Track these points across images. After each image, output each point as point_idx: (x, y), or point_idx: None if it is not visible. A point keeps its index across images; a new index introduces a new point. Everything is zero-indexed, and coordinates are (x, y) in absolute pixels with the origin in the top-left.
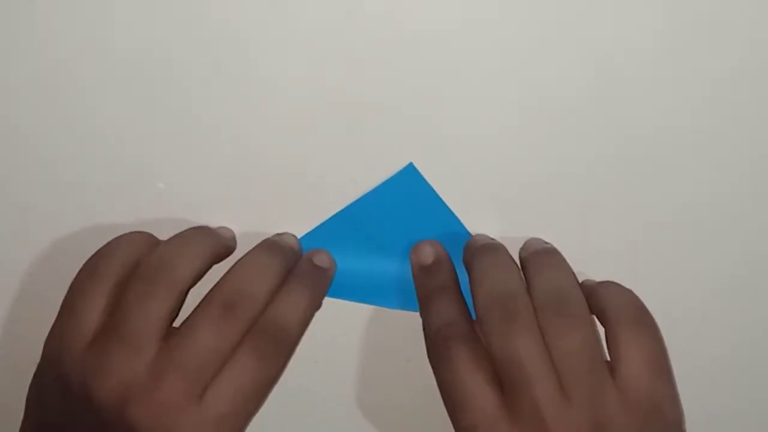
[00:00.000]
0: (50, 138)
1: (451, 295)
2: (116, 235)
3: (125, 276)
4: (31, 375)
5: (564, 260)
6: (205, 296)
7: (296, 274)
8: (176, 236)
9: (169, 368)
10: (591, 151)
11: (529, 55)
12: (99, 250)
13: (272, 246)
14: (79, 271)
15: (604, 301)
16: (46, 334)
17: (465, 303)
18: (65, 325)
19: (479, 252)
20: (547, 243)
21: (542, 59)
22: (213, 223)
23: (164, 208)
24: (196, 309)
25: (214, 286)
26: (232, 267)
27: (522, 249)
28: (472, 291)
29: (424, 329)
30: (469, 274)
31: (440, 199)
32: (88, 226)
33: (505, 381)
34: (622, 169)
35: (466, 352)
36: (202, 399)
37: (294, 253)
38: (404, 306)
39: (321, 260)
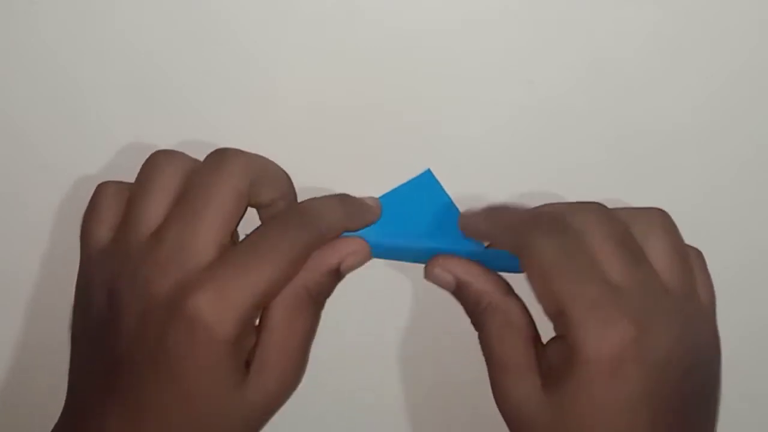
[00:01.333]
0: (51, 140)
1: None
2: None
3: (190, 172)
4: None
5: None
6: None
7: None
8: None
9: (228, 266)
10: (594, 151)
11: (530, 56)
12: (160, 151)
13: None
14: (146, 164)
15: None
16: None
17: None
18: (128, 216)
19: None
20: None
21: (543, 59)
22: None
23: None
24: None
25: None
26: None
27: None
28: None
29: (508, 225)
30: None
31: (455, 206)
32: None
33: (613, 265)
34: (626, 169)
35: (568, 226)
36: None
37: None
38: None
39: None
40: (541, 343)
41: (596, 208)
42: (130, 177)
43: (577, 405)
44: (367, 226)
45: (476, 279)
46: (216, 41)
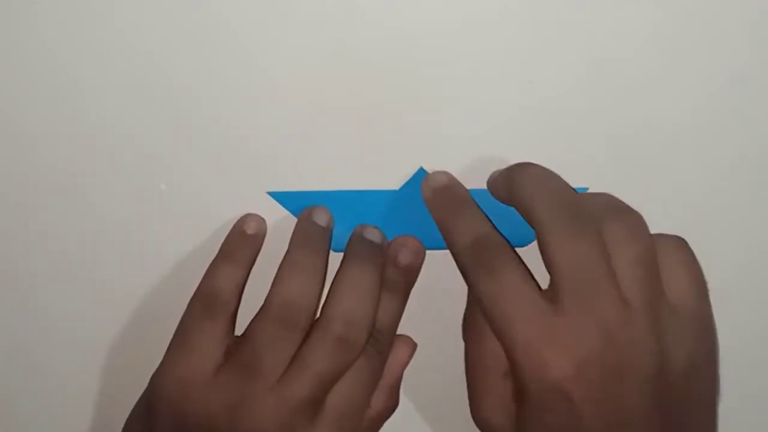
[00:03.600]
0: (51, 140)
1: (473, 208)
2: (118, 233)
3: (237, 306)
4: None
5: None
6: (317, 325)
7: (388, 287)
8: (291, 260)
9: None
10: (594, 151)
11: (530, 56)
12: (207, 279)
13: (365, 261)
14: (190, 307)
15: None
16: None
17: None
18: (186, 362)
19: (521, 168)
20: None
21: (543, 59)
22: (213, 224)
23: (166, 209)
24: (310, 340)
25: (321, 316)
26: (335, 289)
27: None
28: (524, 204)
29: (451, 249)
30: (515, 193)
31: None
32: (90, 227)
33: (564, 286)
34: (626, 168)
35: (511, 260)
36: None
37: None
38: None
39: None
40: None
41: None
42: (132, 177)
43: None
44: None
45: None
46: (216, 41)
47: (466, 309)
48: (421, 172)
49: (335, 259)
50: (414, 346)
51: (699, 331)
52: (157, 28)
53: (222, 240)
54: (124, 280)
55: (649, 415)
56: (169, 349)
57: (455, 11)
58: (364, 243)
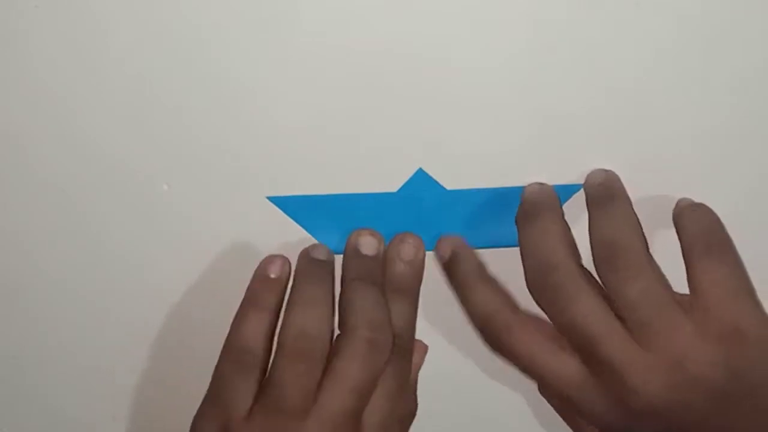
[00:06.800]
0: (53, 141)
1: (485, 280)
2: (119, 238)
3: (268, 355)
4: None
5: (621, 201)
6: (341, 337)
7: (395, 287)
8: (297, 296)
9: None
10: (595, 154)
11: (529, 58)
12: (235, 331)
13: (368, 281)
14: (222, 361)
15: (680, 232)
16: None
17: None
18: (221, 413)
19: (522, 217)
20: (603, 181)
21: (543, 61)
22: (213, 229)
23: (166, 213)
24: (339, 354)
25: (342, 329)
26: (348, 303)
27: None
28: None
29: (470, 316)
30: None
31: (453, 193)
32: (91, 228)
33: (573, 346)
34: (627, 172)
35: (525, 326)
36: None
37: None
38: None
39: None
40: None
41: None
42: (134, 178)
43: None
44: None
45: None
46: (216, 43)
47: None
48: (420, 172)
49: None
50: (425, 348)
51: (731, 336)
52: (158, 30)
53: (221, 247)
54: (124, 282)
55: None
56: (204, 400)
57: (455, 15)
58: (359, 257)
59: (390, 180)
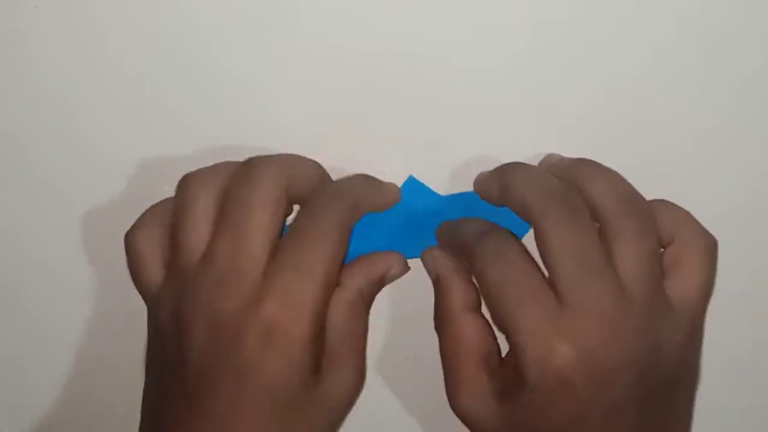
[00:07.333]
0: (53, 141)
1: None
2: (123, 239)
3: (223, 190)
4: None
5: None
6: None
7: None
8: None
9: (286, 267)
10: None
11: (528, 59)
12: (189, 176)
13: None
14: (178, 192)
15: (664, 222)
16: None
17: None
18: (174, 249)
19: (512, 166)
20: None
21: (544, 63)
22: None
23: None
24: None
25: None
26: None
27: (551, 165)
28: (519, 198)
29: (460, 241)
30: (509, 190)
31: (448, 198)
32: (92, 228)
33: (564, 274)
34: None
35: (518, 249)
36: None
37: None
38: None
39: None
40: (500, 357)
41: (566, 205)
42: (135, 179)
43: (528, 421)
44: (389, 206)
45: (447, 280)
46: (215, 46)
47: (438, 299)
48: (411, 180)
49: None
50: (402, 260)
51: (691, 331)
52: (158, 30)
53: None
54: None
55: (639, 407)
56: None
57: (455, 16)
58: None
59: (390, 180)
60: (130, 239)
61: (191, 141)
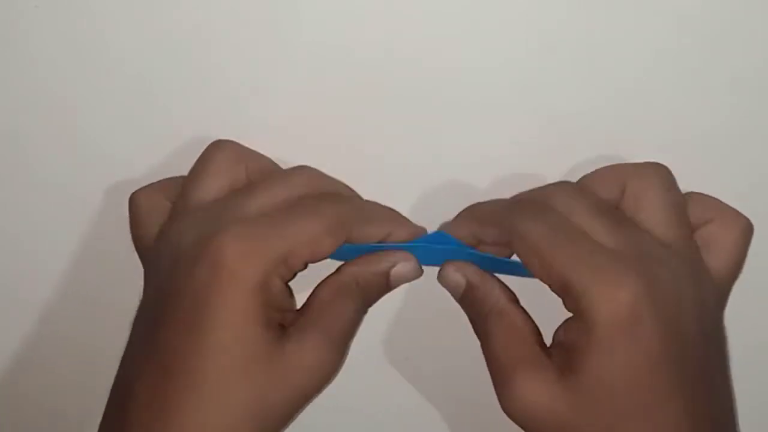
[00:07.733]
0: (53, 141)
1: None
2: (120, 238)
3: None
4: None
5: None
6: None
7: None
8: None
9: (260, 217)
10: (598, 157)
11: (529, 57)
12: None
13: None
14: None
15: (697, 210)
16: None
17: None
18: (192, 183)
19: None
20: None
21: (543, 62)
22: None
23: None
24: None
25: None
26: None
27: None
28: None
29: (492, 215)
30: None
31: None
32: (91, 228)
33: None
34: None
35: (549, 205)
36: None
37: None
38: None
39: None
40: (547, 347)
41: (568, 185)
42: (136, 178)
43: (599, 377)
44: (407, 240)
45: (483, 284)
46: (215, 46)
47: (479, 301)
48: (442, 233)
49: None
50: (413, 260)
51: (722, 303)
52: (158, 30)
53: None
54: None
55: (704, 341)
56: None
57: (454, 13)
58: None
59: (390, 180)
60: (133, 197)
61: (191, 141)
